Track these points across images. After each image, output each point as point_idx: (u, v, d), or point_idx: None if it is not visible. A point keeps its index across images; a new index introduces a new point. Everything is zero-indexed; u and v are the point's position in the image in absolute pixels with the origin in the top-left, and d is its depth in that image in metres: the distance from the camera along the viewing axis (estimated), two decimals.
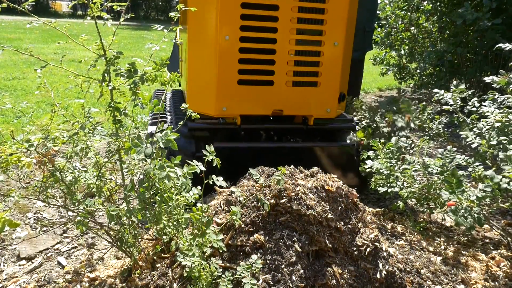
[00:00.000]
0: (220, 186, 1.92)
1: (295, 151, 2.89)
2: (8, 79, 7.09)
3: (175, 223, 1.76)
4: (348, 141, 3.08)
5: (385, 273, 1.84)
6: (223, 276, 1.61)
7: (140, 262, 1.96)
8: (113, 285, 1.96)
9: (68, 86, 2.78)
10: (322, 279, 1.73)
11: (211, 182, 1.75)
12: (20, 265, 2.32)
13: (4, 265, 2.31)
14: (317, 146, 2.85)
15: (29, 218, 2.80)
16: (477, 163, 2.10)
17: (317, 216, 1.86)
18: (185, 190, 1.78)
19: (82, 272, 2.22)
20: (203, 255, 1.67)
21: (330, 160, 3.01)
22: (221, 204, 1.97)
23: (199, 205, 1.68)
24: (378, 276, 1.81)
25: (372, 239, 1.91)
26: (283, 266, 1.71)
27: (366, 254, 1.86)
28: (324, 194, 1.98)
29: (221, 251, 1.70)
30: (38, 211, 2.89)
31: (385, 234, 2.27)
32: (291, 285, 1.65)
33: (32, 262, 2.34)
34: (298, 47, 2.65)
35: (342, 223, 1.92)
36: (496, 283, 2.15)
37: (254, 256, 1.67)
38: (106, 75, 1.70)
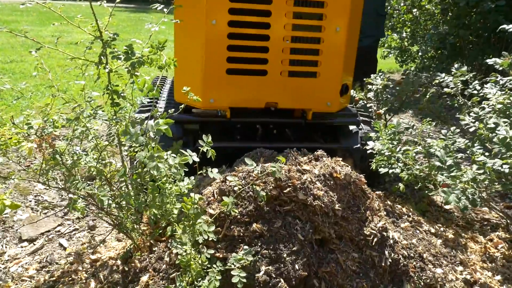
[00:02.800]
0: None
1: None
2: (6, 62, 7.03)
3: (166, 212, 1.73)
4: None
5: (390, 260, 1.82)
6: (214, 266, 1.57)
7: (140, 245, 1.98)
8: (114, 267, 1.98)
9: (67, 68, 2.75)
10: (326, 266, 1.70)
11: (204, 174, 1.69)
12: (22, 247, 2.34)
13: (6, 247, 2.33)
14: (317, 147, 2.54)
15: (30, 201, 2.82)
16: (476, 146, 2.09)
17: (323, 207, 1.80)
18: (178, 180, 1.72)
19: (84, 254, 2.24)
20: (195, 244, 1.64)
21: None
22: (214, 193, 1.89)
23: (192, 194, 1.64)
24: (383, 263, 1.80)
25: (380, 228, 1.88)
26: (285, 255, 1.65)
27: (373, 243, 1.83)
28: (332, 182, 1.91)
29: (214, 240, 1.68)
30: (39, 194, 2.90)
31: (392, 217, 2.26)
32: (294, 274, 1.62)
33: (34, 244, 2.36)
34: (295, 33, 2.35)
35: (349, 211, 1.87)
36: (494, 264, 2.17)
37: (246, 247, 1.62)
38: (102, 57, 1.68)
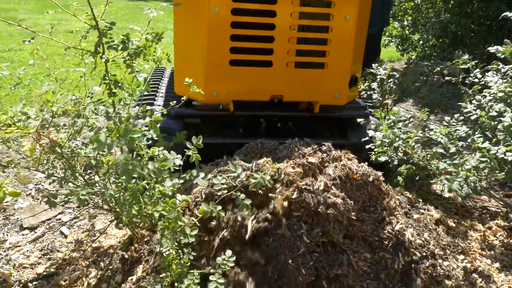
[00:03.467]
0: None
1: None
2: (4, 50, 6.99)
3: (147, 214, 1.67)
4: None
5: (403, 263, 1.74)
6: (194, 269, 1.52)
7: (138, 235, 1.99)
8: (115, 255, 2.00)
9: (66, 55, 2.72)
10: (338, 268, 1.61)
11: (187, 177, 1.60)
12: (23, 235, 2.35)
13: (7, 235, 2.34)
14: (324, 142, 2.41)
15: (31, 189, 2.82)
16: (477, 135, 2.09)
17: (337, 215, 1.65)
18: (159, 183, 1.61)
19: (85, 242, 2.25)
20: (182, 244, 1.58)
21: None
22: (202, 194, 1.79)
23: (179, 196, 1.56)
24: (395, 266, 1.72)
25: (397, 232, 1.78)
26: (290, 260, 1.56)
27: (388, 247, 1.75)
28: (348, 184, 1.80)
29: (195, 244, 1.60)
30: (39, 182, 2.91)
31: (404, 207, 2.23)
32: (300, 279, 1.53)
33: (35, 232, 2.37)
34: (302, 22, 2.25)
35: (364, 213, 1.78)
36: (493, 252, 2.19)
37: (228, 252, 1.51)
38: (98, 47, 1.64)
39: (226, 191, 1.65)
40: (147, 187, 1.59)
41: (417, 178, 2.52)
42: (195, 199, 1.79)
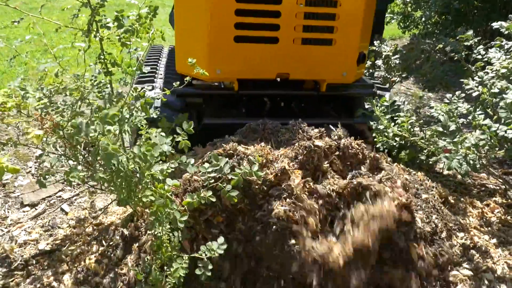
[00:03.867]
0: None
1: None
2: (0, 27, 6.88)
3: (136, 199, 1.65)
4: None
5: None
6: (182, 253, 1.51)
7: (138, 212, 1.99)
8: (116, 231, 2.01)
9: (62, 34, 2.67)
10: None
11: (177, 163, 1.56)
12: (24, 212, 2.37)
13: (8, 212, 2.36)
14: (330, 122, 2.27)
15: (30, 167, 2.83)
16: (478, 112, 2.08)
17: None
18: (147, 168, 1.54)
19: (86, 218, 2.27)
20: (169, 229, 1.54)
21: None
22: (190, 181, 1.75)
23: (169, 181, 1.52)
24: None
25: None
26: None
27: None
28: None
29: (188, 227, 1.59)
30: (39, 160, 2.91)
31: (413, 187, 2.22)
32: None
33: (36, 209, 2.38)
34: None
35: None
36: (490, 228, 2.21)
37: (220, 239, 1.49)
38: (91, 25, 1.59)
39: (213, 180, 1.59)
40: (137, 170, 1.56)
41: (417, 162, 2.51)
42: (184, 185, 1.75)
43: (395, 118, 2.41)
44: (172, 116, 2.23)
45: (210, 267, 1.44)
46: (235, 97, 2.46)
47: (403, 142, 2.39)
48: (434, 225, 1.95)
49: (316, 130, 1.96)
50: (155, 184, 1.53)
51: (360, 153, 1.93)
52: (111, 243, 1.93)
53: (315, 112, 2.73)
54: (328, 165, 1.85)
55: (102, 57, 1.67)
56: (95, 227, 2.15)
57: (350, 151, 1.90)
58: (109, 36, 1.64)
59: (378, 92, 2.70)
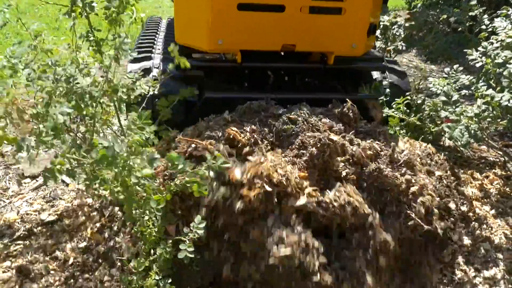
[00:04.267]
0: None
1: (312, 104, 2.19)
2: None
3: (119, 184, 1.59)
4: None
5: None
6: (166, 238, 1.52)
7: None
8: (116, 202, 2.02)
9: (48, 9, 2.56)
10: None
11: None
12: (24, 183, 2.38)
13: (9, 183, 2.37)
14: (337, 98, 2.14)
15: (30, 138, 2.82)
16: (481, 83, 2.05)
17: None
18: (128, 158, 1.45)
19: (87, 190, 2.27)
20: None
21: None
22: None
23: (145, 171, 1.42)
24: None
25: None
26: None
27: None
28: None
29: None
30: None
31: (426, 164, 2.15)
32: None
33: (37, 180, 2.39)
34: None
35: None
36: (489, 199, 2.23)
37: (198, 218, 1.48)
38: (74, 4, 1.52)
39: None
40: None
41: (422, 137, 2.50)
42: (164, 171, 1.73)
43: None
44: (173, 88, 2.18)
45: (191, 249, 1.43)
46: (237, 70, 2.36)
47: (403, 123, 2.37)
48: (448, 208, 1.96)
49: (326, 120, 1.86)
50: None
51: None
52: (111, 214, 1.95)
53: (321, 87, 2.62)
54: (343, 165, 1.75)
55: (91, 35, 1.61)
56: (95, 199, 2.16)
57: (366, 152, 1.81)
58: (97, 12, 1.57)
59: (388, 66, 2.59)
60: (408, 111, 2.44)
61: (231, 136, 1.76)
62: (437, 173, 2.06)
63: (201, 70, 2.32)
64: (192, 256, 1.42)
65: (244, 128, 1.82)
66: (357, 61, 2.44)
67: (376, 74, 2.60)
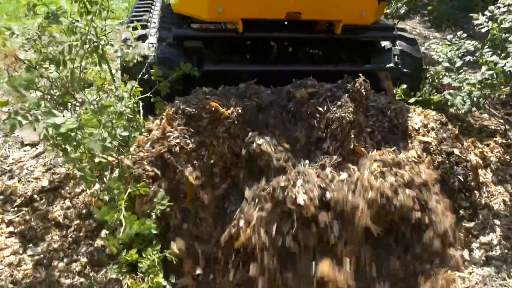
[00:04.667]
0: None
1: (317, 76, 2.05)
2: None
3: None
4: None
5: None
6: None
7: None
8: (113, 169, 2.02)
9: None
10: None
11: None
12: (24, 151, 2.37)
13: (9, 151, 2.36)
14: (345, 70, 2.04)
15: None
16: (486, 49, 2.01)
17: None
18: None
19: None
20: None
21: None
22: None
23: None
24: None
25: None
26: None
27: None
28: None
29: None
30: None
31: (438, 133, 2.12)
32: None
33: (36, 148, 2.38)
34: None
35: None
36: (489, 169, 2.24)
37: (161, 194, 1.65)
38: None
39: None
40: None
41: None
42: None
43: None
44: (170, 55, 2.10)
45: (155, 225, 1.56)
46: (239, 40, 2.25)
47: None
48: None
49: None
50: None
51: None
52: (111, 179, 1.95)
53: (328, 58, 2.50)
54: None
55: None
56: (96, 166, 2.16)
57: None
58: None
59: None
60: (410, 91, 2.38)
61: (213, 109, 1.74)
62: (451, 150, 2.04)
63: (200, 41, 2.23)
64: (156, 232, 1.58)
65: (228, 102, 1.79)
66: (367, 30, 2.30)
67: (385, 43, 2.45)
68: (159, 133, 1.77)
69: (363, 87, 1.82)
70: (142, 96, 2.00)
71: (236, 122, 1.76)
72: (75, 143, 1.42)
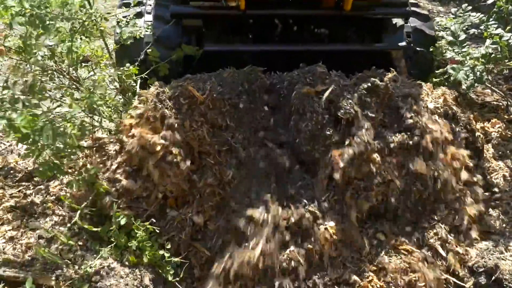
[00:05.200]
0: None
1: (324, 56, 1.95)
2: None
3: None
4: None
5: None
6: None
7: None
8: (111, 144, 2.01)
9: None
10: None
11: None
12: None
13: None
14: (358, 50, 1.97)
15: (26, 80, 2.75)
16: (491, 22, 1.97)
17: None
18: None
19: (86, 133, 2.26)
20: None
21: (371, 67, 1.93)
22: None
23: None
24: None
25: None
26: None
27: None
28: None
29: None
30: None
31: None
32: None
33: None
34: None
35: None
36: (490, 144, 2.24)
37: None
38: None
39: None
40: None
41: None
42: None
43: None
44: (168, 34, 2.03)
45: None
46: (240, 19, 2.14)
47: None
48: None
49: None
50: None
51: None
52: (109, 153, 1.95)
53: (335, 37, 2.35)
54: None
55: None
56: (95, 141, 2.15)
57: None
58: None
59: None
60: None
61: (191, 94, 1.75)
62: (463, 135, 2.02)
63: (200, 19, 2.13)
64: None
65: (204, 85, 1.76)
66: (378, 6, 2.16)
67: (397, 20, 2.30)
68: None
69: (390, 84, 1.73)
70: (137, 76, 1.98)
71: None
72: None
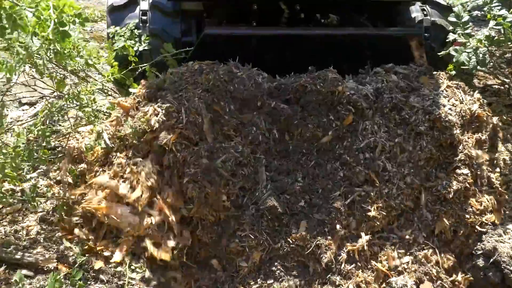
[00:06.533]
0: None
1: (333, 41, 1.85)
2: None
3: None
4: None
5: None
6: None
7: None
8: (110, 132, 2.00)
9: None
10: None
11: None
12: (23, 110, 2.35)
13: (8, 110, 2.34)
14: (368, 34, 1.84)
15: (24, 65, 2.74)
16: (495, 3, 1.94)
17: None
18: None
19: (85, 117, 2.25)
20: None
21: (386, 56, 1.83)
22: None
23: None
24: None
25: None
26: None
27: None
28: None
29: None
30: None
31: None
32: None
33: (35, 107, 2.37)
34: None
35: None
36: (489, 128, 2.22)
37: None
38: None
39: None
40: None
41: None
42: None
43: None
44: (162, 23, 1.93)
45: None
46: (244, 2, 2.05)
47: None
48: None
49: None
50: None
51: None
52: (111, 142, 1.93)
53: (344, 21, 2.26)
54: None
55: None
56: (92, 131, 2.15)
57: None
58: None
59: None
60: None
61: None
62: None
63: (200, 2, 2.03)
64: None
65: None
66: None
67: (415, 13, 2.15)
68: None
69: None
70: (133, 67, 1.93)
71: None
72: None
